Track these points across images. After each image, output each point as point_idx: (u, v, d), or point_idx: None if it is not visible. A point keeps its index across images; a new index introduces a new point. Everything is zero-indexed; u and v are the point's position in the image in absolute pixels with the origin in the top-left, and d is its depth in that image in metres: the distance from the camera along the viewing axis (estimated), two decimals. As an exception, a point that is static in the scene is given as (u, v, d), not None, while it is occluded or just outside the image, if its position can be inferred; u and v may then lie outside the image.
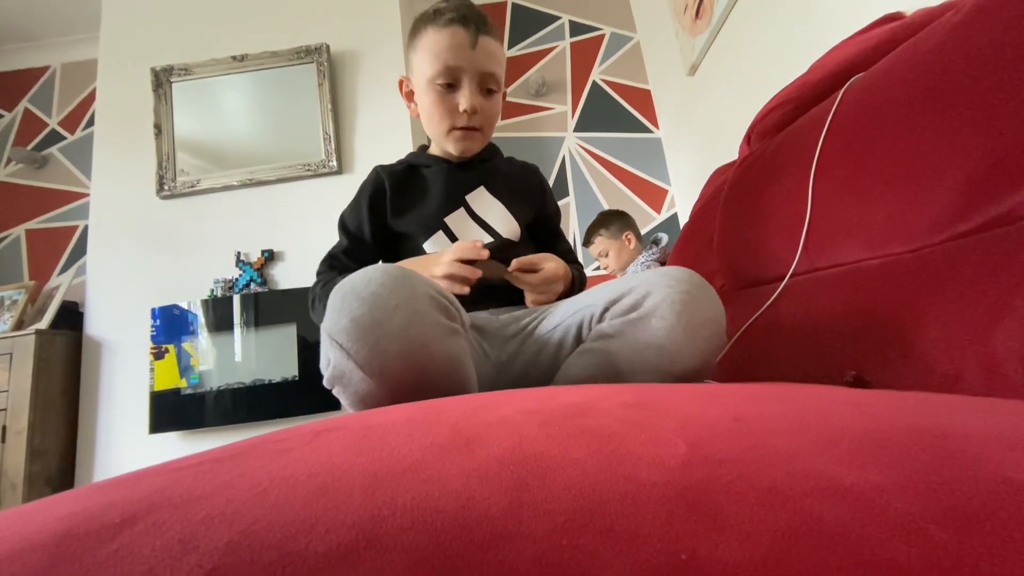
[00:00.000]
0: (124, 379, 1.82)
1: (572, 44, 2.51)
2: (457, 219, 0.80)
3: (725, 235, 0.98)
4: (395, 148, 1.94)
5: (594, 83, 2.46)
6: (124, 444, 1.77)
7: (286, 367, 1.77)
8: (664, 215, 2.31)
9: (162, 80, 2.02)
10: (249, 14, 2.10)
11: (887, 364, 0.52)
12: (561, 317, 0.65)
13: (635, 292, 0.54)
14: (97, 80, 2.09)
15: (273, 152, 1.99)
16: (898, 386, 0.49)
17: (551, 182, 2.36)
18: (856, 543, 0.15)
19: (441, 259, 0.65)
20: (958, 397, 0.29)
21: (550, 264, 0.72)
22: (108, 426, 1.80)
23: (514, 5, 2.57)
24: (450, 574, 0.15)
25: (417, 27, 0.76)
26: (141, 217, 1.96)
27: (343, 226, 0.83)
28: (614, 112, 2.43)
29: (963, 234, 0.50)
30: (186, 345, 1.80)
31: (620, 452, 0.20)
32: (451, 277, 0.63)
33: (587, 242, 1.91)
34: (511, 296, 0.76)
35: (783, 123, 0.89)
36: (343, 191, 1.92)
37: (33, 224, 2.28)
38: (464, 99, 0.75)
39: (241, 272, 1.89)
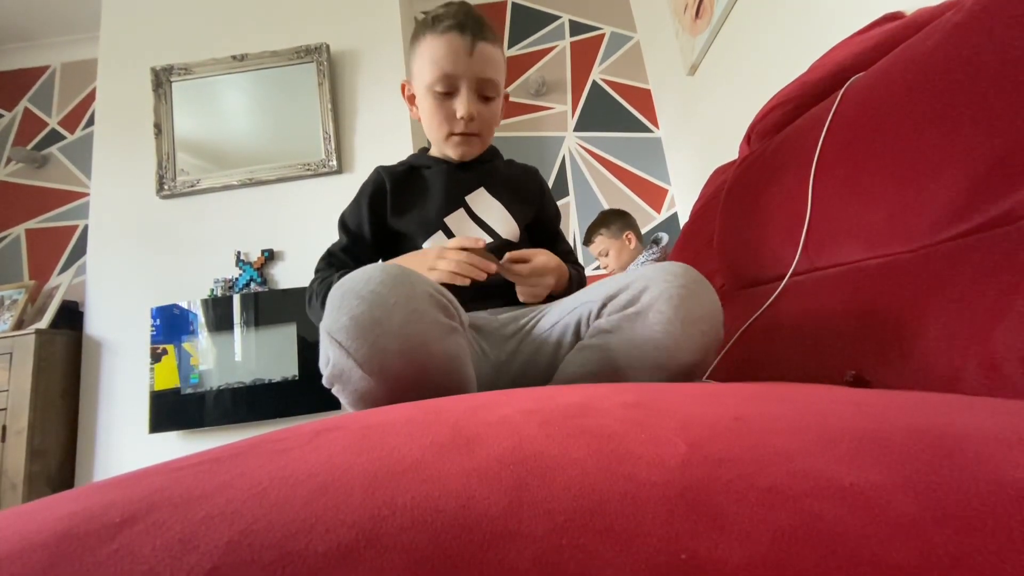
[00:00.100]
0: (124, 379, 1.82)
1: (572, 44, 2.51)
2: (457, 219, 0.81)
3: (725, 235, 0.98)
4: (395, 148, 1.95)
5: (594, 83, 2.46)
6: (124, 444, 1.77)
7: (286, 367, 1.77)
8: (664, 215, 2.31)
9: (162, 80, 2.02)
10: (249, 14, 2.10)
11: (887, 364, 0.52)
12: (559, 315, 0.65)
13: (632, 287, 0.55)
14: (97, 80, 2.09)
15: (273, 152, 1.99)
16: (898, 386, 0.49)
17: (551, 182, 2.36)
18: (856, 543, 0.15)
19: (445, 254, 0.65)
20: (958, 397, 0.29)
21: (540, 257, 0.72)
22: (108, 426, 1.80)
23: (514, 4, 2.57)
24: (450, 573, 0.15)
25: (417, 33, 0.77)
26: (141, 217, 1.96)
27: (343, 224, 0.83)
28: (614, 112, 2.43)
29: (963, 234, 0.50)
30: (186, 345, 1.80)
31: (620, 452, 0.20)
32: (459, 273, 0.63)
33: (587, 241, 1.92)
34: (510, 296, 0.76)
35: (783, 123, 0.89)
36: (343, 191, 1.92)
37: (33, 224, 2.28)
38: (461, 106, 0.76)
39: (241, 272, 1.89)
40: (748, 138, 1.03)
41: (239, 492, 0.18)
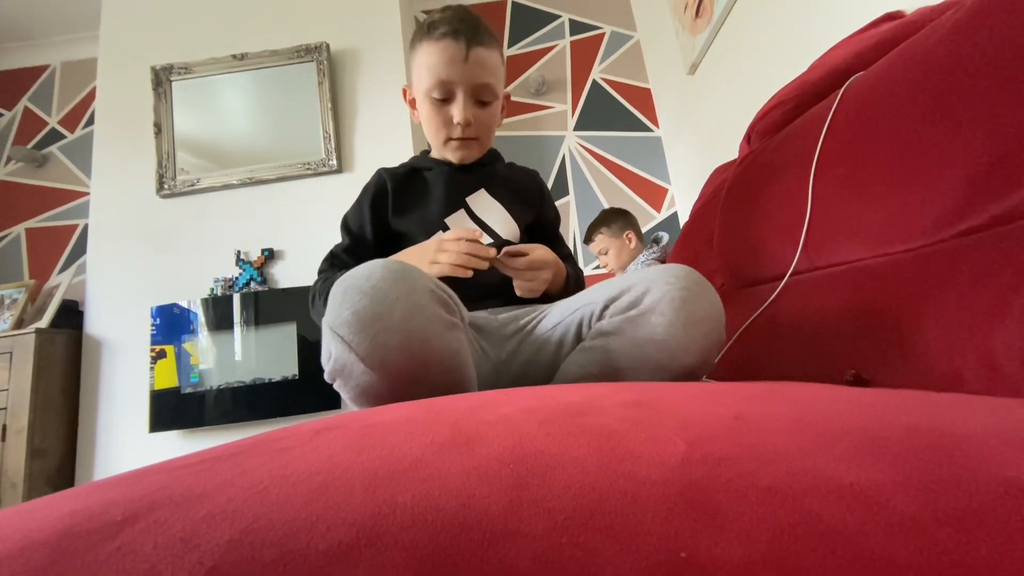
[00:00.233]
0: (124, 378, 1.82)
1: (572, 43, 2.51)
2: (457, 220, 0.81)
3: (725, 234, 0.98)
4: (395, 147, 1.94)
5: (594, 82, 2.46)
6: (124, 443, 1.78)
7: (286, 366, 1.77)
8: (664, 214, 2.31)
9: (162, 79, 2.02)
10: (249, 13, 2.09)
11: (887, 363, 0.52)
12: (560, 316, 0.65)
13: (634, 289, 0.55)
14: (97, 79, 2.08)
15: (273, 151, 1.99)
16: (898, 385, 0.49)
17: (551, 181, 2.36)
18: (855, 541, 0.15)
19: (444, 246, 0.65)
20: (958, 396, 0.29)
21: (538, 251, 0.72)
22: (108, 425, 1.80)
23: (514, 4, 2.57)
24: (450, 572, 0.15)
25: (414, 39, 0.78)
26: (141, 216, 1.96)
27: (345, 226, 0.84)
28: (614, 111, 2.42)
29: (963, 233, 0.50)
30: (186, 344, 1.80)
31: (620, 450, 0.20)
32: (461, 265, 0.64)
33: (588, 239, 1.92)
34: (509, 295, 0.76)
35: (783, 122, 0.89)
36: (343, 190, 1.92)
37: (33, 223, 2.28)
38: (457, 112, 0.76)
39: (241, 271, 1.89)
40: (748, 137, 1.03)
41: (240, 491, 0.19)
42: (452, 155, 0.82)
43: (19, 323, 1.90)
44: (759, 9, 1.38)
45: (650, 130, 2.40)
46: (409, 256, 0.71)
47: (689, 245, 1.27)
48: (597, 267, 2.13)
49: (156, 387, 1.76)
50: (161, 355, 1.79)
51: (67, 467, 1.76)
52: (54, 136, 2.37)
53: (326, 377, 0.51)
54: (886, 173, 0.58)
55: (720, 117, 1.72)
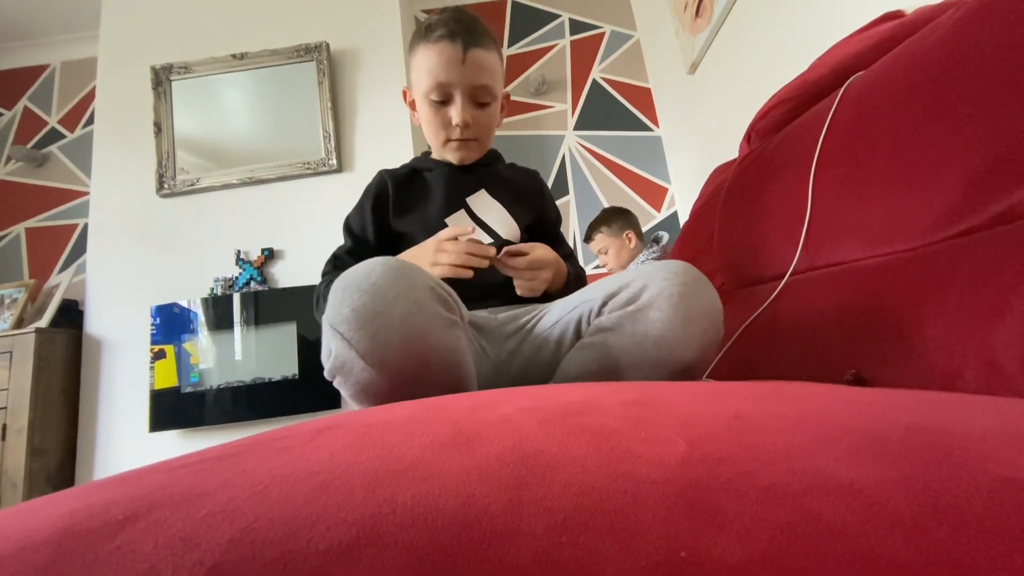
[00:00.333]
0: (124, 377, 1.82)
1: (572, 42, 2.51)
2: (457, 220, 0.81)
3: (725, 234, 0.98)
4: (395, 146, 1.94)
5: (594, 81, 2.46)
6: (124, 442, 1.78)
7: (286, 365, 1.77)
8: (664, 213, 2.31)
9: (162, 78, 2.02)
10: (249, 12, 2.09)
11: (887, 362, 0.52)
12: (560, 314, 0.65)
13: (633, 285, 0.55)
14: (97, 78, 2.08)
15: (273, 150, 1.99)
16: (898, 385, 0.49)
17: (551, 180, 2.36)
18: (855, 540, 0.15)
19: (443, 246, 0.66)
20: (957, 395, 0.29)
21: (538, 250, 0.72)
22: (108, 424, 1.80)
23: (514, 3, 2.56)
24: (450, 571, 0.15)
25: (412, 42, 0.78)
26: (141, 215, 1.96)
27: (347, 227, 0.84)
28: (614, 110, 2.42)
29: (963, 233, 0.50)
30: (186, 344, 1.80)
31: (620, 450, 0.20)
32: (461, 265, 0.64)
33: (588, 238, 1.92)
34: (509, 295, 0.76)
35: (783, 121, 0.89)
36: (343, 189, 1.92)
37: (33, 222, 2.28)
38: (456, 114, 0.77)
39: (241, 270, 1.89)
40: (748, 137, 1.03)
41: (240, 490, 0.19)
42: (452, 156, 0.83)
43: (19, 323, 1.90)
44: (759, 9, 1.38)
45: (650, 130, 2.39)
46: (409, 258, 0.71)
47: (689, 245, 1.27)
48: (597, 266, 2.13)
49: (156, 387, 1.76)
50: (161, 355, 1.79)
51: (67, 467, 1.76)
52: (54, 136, 2.37)
53: (326, 374, 0.52)
54: (886, 173, 0.58)
55: (720, 116, 1.72)
